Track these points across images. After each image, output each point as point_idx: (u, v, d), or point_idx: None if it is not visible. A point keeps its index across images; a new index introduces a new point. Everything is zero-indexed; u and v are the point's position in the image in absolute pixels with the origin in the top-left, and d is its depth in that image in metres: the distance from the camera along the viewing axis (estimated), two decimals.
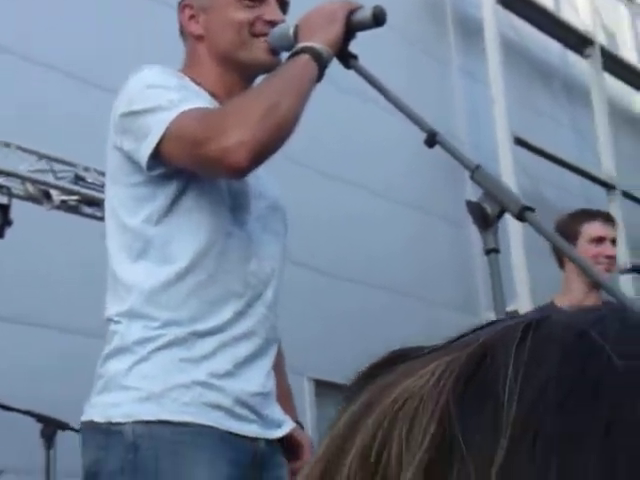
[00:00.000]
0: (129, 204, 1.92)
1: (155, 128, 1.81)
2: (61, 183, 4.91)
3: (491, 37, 9.61)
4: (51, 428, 4.00)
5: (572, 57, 11.34)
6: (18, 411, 3.97)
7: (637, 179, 11.74)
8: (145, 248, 1.90)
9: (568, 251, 1.36)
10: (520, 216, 1.39)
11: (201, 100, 1.87)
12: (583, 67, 11.32)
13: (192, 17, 2.01)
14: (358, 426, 0.42)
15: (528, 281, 8.16)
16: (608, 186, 10.73)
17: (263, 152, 1.75)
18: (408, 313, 7.99)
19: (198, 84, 1.97)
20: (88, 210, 5.08)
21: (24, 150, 4.81)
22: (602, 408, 0.38)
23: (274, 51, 1.93)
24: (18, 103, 5.76)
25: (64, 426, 3.98)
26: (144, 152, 1.83)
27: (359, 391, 0.45)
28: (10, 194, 4.57)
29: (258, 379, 1.94)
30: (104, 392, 1.88)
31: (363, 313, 7.56)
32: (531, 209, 1.39)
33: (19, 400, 3.93)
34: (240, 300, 1.92)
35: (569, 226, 3.58)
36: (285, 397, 2.12)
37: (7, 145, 4.72)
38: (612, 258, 3.56)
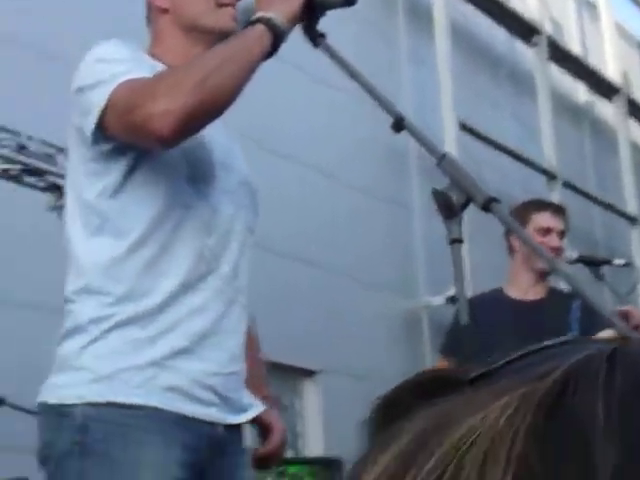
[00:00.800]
0: (84, 180, 1.89)
1: (96, 102, 1.79)
2: (3, 152, 4.82)
3: (440, 22, 9.63)
4: None
5: (519, 46, 11.42)
6: None
7: (578, 169, 11.87)
8: (100, 223, 1.87)
9: (529, 242, 1.36)
10: (486, 207, 1.39)
11: (148, 70, 1.83)
12: (529, 56, 11.41)
13: None
14: (411, 464, 0.35)
15: (470, 268, 8.23)
16: (549, 175, 10.84)
17: (191, 122, 1.70)
18: (346, 294, 8.00)
19: (161, 62, 1.93)
20: (30, 179, 4.99)
21: None
22: None
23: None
24: None
25: (1, 402, 3.91)
26: (88, 127, 1.82)
27: (397, 418, 0.38)
28: None
29: (218, 358, 1.89)
30: (58, 373, 1.85)
31: (300, 291, 7.55)
32: (497, 200, 1.39)
33: None
34: (192, 273, 1.87)
35: (520, 214, 3.60)
36: (255, 375, 2.08)
37: None
38: (557, 250, 3.59)
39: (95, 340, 1.82)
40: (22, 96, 5.81)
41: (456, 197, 1.42)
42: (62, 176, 5.00)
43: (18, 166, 4.88)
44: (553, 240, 3.59)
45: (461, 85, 9.72)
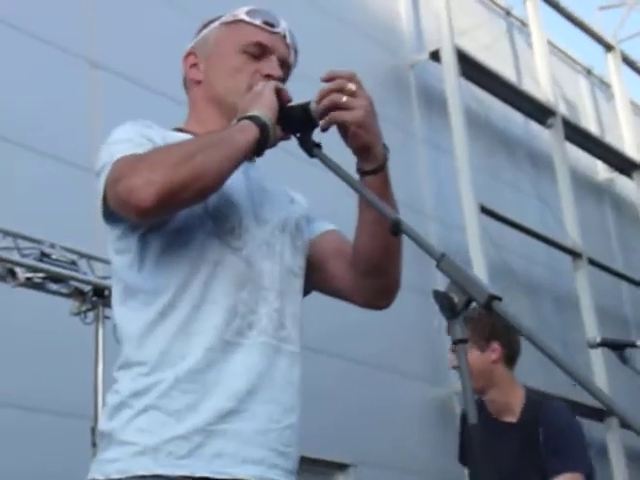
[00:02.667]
0: (116, 258, 1.94)
1: (100, 186, 1.84)
2: (26, 260, 4.88)
3: (455, 108, 9.73)
4: None
5: (534, 127, 11.51)
6: None
7: (602, 246, 11.85)
8: (132, 296, 1.90)
9: (535, 340, 1.36)
10: (487, 306, 1.39)
11: (159, 143, 1.87)
12: (545, 137, 11.48)
13: (194, 65, 2.05)
14: None
15: None
16: (574, 254, 10.82)
17: (171, 196, 1.71)
18: (377, 385, 7.95)
19: (192, 133, 1.97)
20: (54, 287, 5.05)
21: None
22: None
23: None
24: None
25: None
26: (100, 210, 1.86)
27: None
28: None
29: (270, 413, 1.85)
30: (105, 449, 1.84)
31: (331, 385, 7.51)
32: (498, 298, 1.39)
33: None
34: (227, 329, 1.85)
35: None
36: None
37: None
38: (455, 367, 3.48)
39: (138, 414, 1.81)
40: (43, 204, 5.90)
41: (457, 297, 1.43)
42: (85, 282, 5.06)
43: (41, 274, 4.93)
44: (451, 359, 3.33)
45: (479, 169, 9.78)
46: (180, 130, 2.02)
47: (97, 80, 6.72)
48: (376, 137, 1.89)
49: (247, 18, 2.04)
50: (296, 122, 1.83)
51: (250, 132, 1.81)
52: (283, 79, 2.01)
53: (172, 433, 1.79)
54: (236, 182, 1.89)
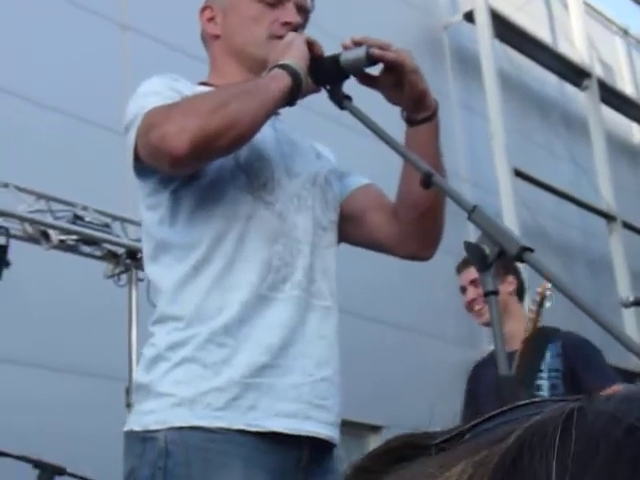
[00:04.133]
0: (146, 215, 1.94)
1: (132, 138, 1.83)
2: (59, 223, 4.90)
3: (489, 71, 9.65)
4: (48, 474, 3.93)
5: (569, 90, 11.39)
6: (12, 457, 3.90)
7: (637, 209, 11.73)
8: (165, 251, 1.90)
9: (565, 289, 1.34)
10: (519, 257, 1.37)
11: (188, 92, 1.86)
12: (580, 99, 11.36)
13: (211, 19, 2.03)
14: None
15: None
16: (608, 217, 10.73)
17: (206, 143, 1.70)
18: (411, 348, 7.96)
19: (216, 87, 1.96)
20: (87, 249, 5.06)
21: (22, 190, 4.80)
22: None
23: None
24: (15, 143, 5.77)
25: (61, 471, 3.93)
26: (131, 162, 1.86)
27: None
28: (8, 235, 4.55)
29: (302, 367, 1.85)
30: (142, 401, 1.85)
31: (367, 349, 7.53)
32: (530, 249, 1.37)
33: (15, 444, 3.88)
34: (262, 283, 1.85)
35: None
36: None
37: (5, 185, 4.71)
38: (471, 302, 3.54)
39: (175, 366, 1.82)
40: (75, 167, 5.93)
41: (489, 249, 1.41)
42: (118, 244, 5.08)
43: (74, 236, 4.95)
44: (468, 294, 3.55)
45: (513, 132, 9.70)
46: (205, 84, 2.01)
47: (127, 42, 6.72)
48: (427, 84, 1.89)
49: None
50: (326, 74, 1.81)
51: (283, 80, 1.79)
52: (302, 25, 2.00)
53: (209, 385, 1.80)
54: (266, 135, 1.88)
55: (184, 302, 1.86)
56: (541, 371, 3.40)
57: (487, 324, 3.48)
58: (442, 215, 2.00)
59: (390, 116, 1.99)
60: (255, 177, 1.91)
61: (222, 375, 1.81)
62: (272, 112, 1.79)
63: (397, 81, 1.84)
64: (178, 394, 1.81)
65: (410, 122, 1.91)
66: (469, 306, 3.58)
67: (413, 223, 1.96)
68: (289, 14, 1.97)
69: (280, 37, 1.92)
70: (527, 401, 0.38)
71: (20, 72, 6.04)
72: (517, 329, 3.48)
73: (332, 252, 1.99)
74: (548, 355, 3.42)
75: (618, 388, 3.31)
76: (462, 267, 3.59)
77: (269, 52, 1.89)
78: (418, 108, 1.89)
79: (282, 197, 1.92)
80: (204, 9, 2.06)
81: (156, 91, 1.88)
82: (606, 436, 0.35)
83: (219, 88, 1.86)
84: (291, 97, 1.80)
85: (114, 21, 6.71)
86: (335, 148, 2.18)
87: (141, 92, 1.90)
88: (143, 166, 1.85)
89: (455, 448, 0.37)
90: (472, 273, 3.36)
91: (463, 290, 3.60)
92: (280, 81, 1.79)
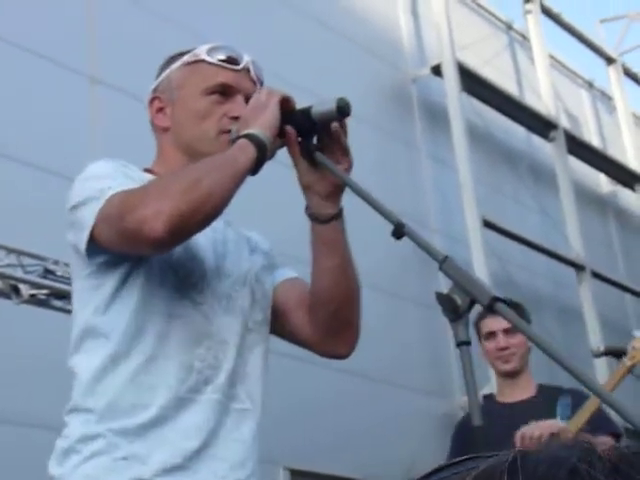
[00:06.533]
0: (82, 296, 1.91)
1: (88, 218, 1.82)
2: (30, 277, 4.88)
3: (457, 123, 9.75)
4: None
5: (537, 141, 11.52)
6: None
7: (605, 258, 11.83)
8: (88, 339, 1.87)
9: (538, 340, 1.36)
10: (490, 307, 1.39)
11: (137, 183, 1.86)
12: (547, 150, 11.49)
13: (160, 110, 2.02)
14: None
15: None
16: (577, 266, 10.80)
17: (183, 224, 1.71)
18: (383, 399, 7.93)
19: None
20: (58, 303, 5.05)
21: None
22: None
23: None
24: None
25: None
26: (81, 243, 1.84)
27: None
28: None
29: (216, 470, 1.84)
30: None
31: (338, 400, 7.50)
32: (501, 300, 1.39)
33: None
34: (182, 385, 1.84)
35: (476, 326, 3.65)
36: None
37: None
38: (505, 349, 3.59)
39: (85, 460, 1.80)
40: (46, 221, 5.91)
41: (460, 299, 1.43)
42: None
43: (45, 291, 4.93)
44: (499, 341, 3.59)
45: (482, 183, 9.78)
46: (150, 172, 2.00)
47: (97, 96, 6.74)
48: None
49: (208, 58, 2.00)
50: (298, 127, 1.83)
51: (249, 151, 1.80)
52: None
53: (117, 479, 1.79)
54: (203, 234, 1.87)
55: (98, 395, 1.84)
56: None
57: (512, 372, 3.61)
58: (357, 309, 2.01)
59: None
60: (185, 276, 1.90)
61: (132, 470, 1.79)
62: (241, 183, 1.80)
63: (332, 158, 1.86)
64: None
65: (319, 220, 1.92)
66: (497, 353, 3.61)
67: (329, 319, 1.97)
68: (238, 108, 1.95)
69: (228, 132, 1.92)
70: (473, 455, 0.40)
71: None
72: (530, 379, 3.63)
73: (256, 353, 1.98)
74: (559, 408, 3.47)
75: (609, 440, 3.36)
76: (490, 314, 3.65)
77: (218, 148, 1.89)
78: (334, 200, 1.91)
79: (211, 298, 1.92)
80: (153, 99, 2.04)
81: (109, 175, 1.87)
82: (553, 476, 0.37)
83: (190, 166, 1.84)
84: (255, 167, 1.82)
85: (84, 74, 6.74)
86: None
87: (92, 174, 1.89)
88: (95, 247, 1.84)
89: None
90: (504, 322, 3.41)
91: (491, 335, 3.61)
92: (247, 153, 1.80)
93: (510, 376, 3.63)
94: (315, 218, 1.92)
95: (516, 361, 3.59)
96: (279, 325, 2.04)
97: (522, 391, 3.62)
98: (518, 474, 0.37)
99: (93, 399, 1.84)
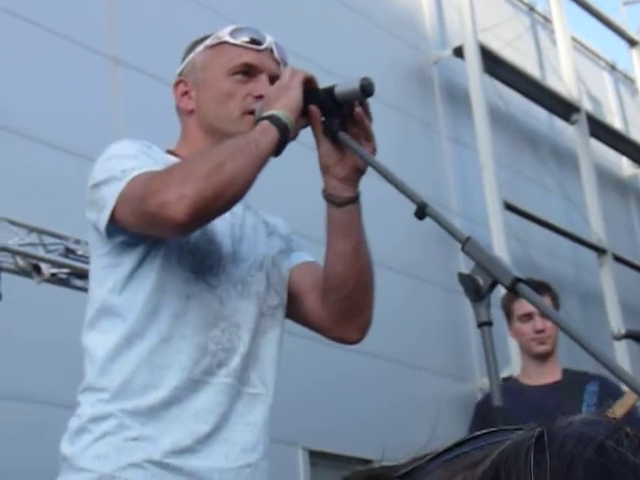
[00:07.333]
0: (99, 274, 1.91)
1: (109, 198, 1.82)
2: (51, 256, 4.90)
3: (478, 105, 9.70)
4: None
5: (559, 123, 11.45)
6: None
7: (627, 242, 11.77)
8: (104, 318, 1.88)
9: (561, 322, 1.35)
10: (512, 288, 1.38)
11: (160, 165, 1.86)
12: (570, 133, 11.42)
13: (185, 93, 2.03)
14: None
15: None
16: (598, 250, 10.75)
17: (206, 208, 1.72)
18: (402, 381, 7.94)
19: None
20: (78, 283, 5.06)
21: (14, 224, 4.81)
22: None
23: None
24: (8, 177, 5.77)
25: None
26: (102, 222, 1.84)
27: None
28: (0, 268, 4.55)
29: (226, 453, 1.85)
30: (64, 474, 1.84)
31: (358, 381, 7.51)
32: (523, 280, 1.38)
33: None
34: (196, 367, 1.85)
35: (506, 306, 3.64)
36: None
37: None
38: (542, 331, 3.60)
39: (96, 440, 1.81)
40: (67, 200, 5.93)
41: (482, 280, 1.42)
42: None
43: (66, 270, 4.95)
44: (537, 323, 3.60)
45: (503, 165, 9.74)
46: (173, 153, 2.00)
47: (120, 77, 6.75)
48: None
49: (231, 39, 2.01)
50: (321, 106, 1.83)
51: (271, 133, 1.81)
52: None
53: (127, 460, 1.80)
54: (221, 218, 1.88)
55: (112, 374, 1.85)
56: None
57: (545, 354, 3.64)
58: (369, 296, 1.99)
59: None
60: (202, 259, 1.91)
61: (143, 451, 1.80)
62: (264, 165, 1.80)
63: (356, 138, 1.86)
64: (97, 470, 1.80)
65: (336, 203, 1.91)
66: (534, 335, 3.63)
67: (340, 304, 1.96)
68: (262, 87, 1.96)
69: (252, 112, 1.93)
70: (494, 429, 0.40)
71: (11, 106, 6.05)
72: (556, 364, 3.66)
73: (270, 337, 1.98)
74: (586, 395, 3.49)
75: None
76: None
77: (242, 128, 1.89)
78: (354, 184, 1.90)
79: (225, 282, 1.92)
80: (178, 83, 2.05)
81: (132, 155, 1.88)
82: (579, 455, 0.36)
83: (212, 149, 1.84)
84: (277, 149, 1.82)
85: (106, 55, 6.74)
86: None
87: (115, 154, 1.90)
88: (115, 227, 1.84)
89: (429, 474, 0.37)
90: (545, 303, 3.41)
91: (527, 317, 3.62)
92: (269, 135, 1.81)
93: (541, 358, 3.66)
94: (331, 201, 1.92)
95: (550, 344, 3.64)
96: (293, 308, 2.04)
97: (549, 374, 3.64)
98: (545, 451, 0.37)
99: (107, 379, 1.85)
